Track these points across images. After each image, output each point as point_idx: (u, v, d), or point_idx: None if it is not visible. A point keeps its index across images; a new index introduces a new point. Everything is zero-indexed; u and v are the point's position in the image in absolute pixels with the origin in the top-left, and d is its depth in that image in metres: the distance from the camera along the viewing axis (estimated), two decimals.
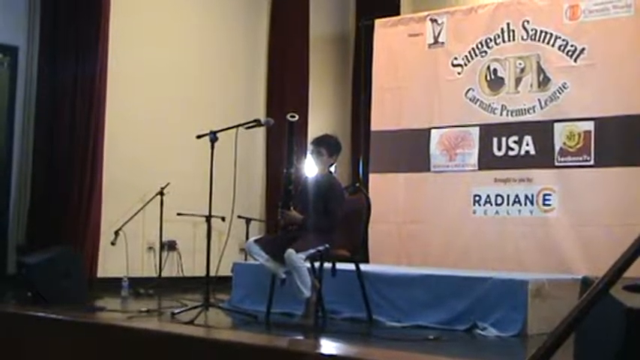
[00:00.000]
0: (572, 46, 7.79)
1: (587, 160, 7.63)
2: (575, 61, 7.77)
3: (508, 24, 8.23)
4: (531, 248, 7.86)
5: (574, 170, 7.70)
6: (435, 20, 8.75)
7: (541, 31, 7.99)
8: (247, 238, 8.56)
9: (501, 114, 8.20)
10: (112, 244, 8.21)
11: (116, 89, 8.49)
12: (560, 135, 7.79)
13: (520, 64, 8.13)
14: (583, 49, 7.72)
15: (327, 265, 6.12)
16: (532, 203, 7.91)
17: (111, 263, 8.38)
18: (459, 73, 8.52)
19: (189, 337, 4.52)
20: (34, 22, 8.27)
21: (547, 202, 7.83)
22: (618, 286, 3.32)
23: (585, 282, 3.81)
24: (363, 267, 6.47)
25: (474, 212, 8.27)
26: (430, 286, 6.23)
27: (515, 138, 8.07)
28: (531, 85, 8.04)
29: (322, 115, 10.49)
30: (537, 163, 7.93)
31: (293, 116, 6.23)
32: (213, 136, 6.39)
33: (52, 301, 6.62)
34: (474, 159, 8.33)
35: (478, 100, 8.34)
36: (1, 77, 8.23)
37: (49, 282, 6.94)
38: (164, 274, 8.70)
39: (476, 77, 8.39)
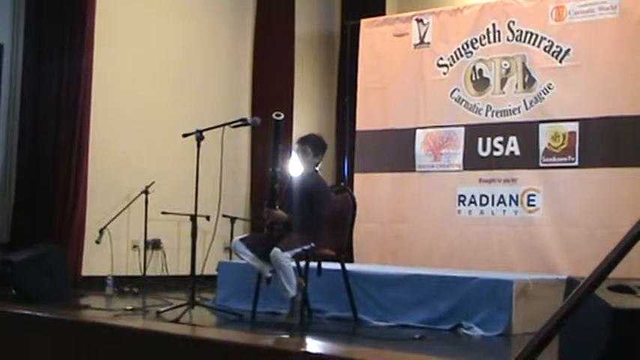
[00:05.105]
0: (557, 47, 7.82)
1: (571, 161, 7.66)
2: (560, 62, 7.80)
3: (494, 24, 8.25)
4: (516, 248, 7.88)
5: (558, 171, 7.73)
6: (421, 20, 8.76)
7: (526, 32, 8.01)
8: (232, 237, 8.53)
9: (486, 114, 8.22)
10: (97, 242, 8.20)
11: (101, 87, 8.46)
12: (544, 136, 7.81)
13: (505, 64, 8.15)
14: (568, 50, 7.75)
15: (313, 264, 6.13)
16: (517, 203, 7.93)
17: (95, 262, 8.35)
18: (444, 74, 8.53)
19: (174, 336, 4.51)
20: (19, 20, 8.22)
21: (531, 203, 7.85)
22: (603, 286, 3.34)
23: (570, 282, 3.83)
24: (348, 266, 6.48)
25: (459, 212, 8.29)
26: (415, 285, 6.25)
27: (500, 138, 8.10)
28: (516, 86, 8.06)
29: (307, 115, 10.48)
30: (522, 163, 7.95)
31: (279, 115, 6.22)
32: (200, 135, 6.38)
33: (37, 299, 6.63)
34: (459, 159, 8.35)
35: (463, 100, 8.36)
36: None
37: (33, 280, 6.93)
38: (149, 272, 8.68)
39: (461, 77, 8.40)
